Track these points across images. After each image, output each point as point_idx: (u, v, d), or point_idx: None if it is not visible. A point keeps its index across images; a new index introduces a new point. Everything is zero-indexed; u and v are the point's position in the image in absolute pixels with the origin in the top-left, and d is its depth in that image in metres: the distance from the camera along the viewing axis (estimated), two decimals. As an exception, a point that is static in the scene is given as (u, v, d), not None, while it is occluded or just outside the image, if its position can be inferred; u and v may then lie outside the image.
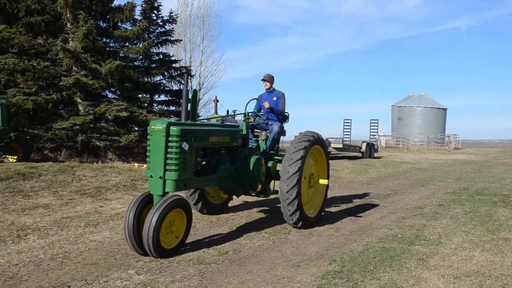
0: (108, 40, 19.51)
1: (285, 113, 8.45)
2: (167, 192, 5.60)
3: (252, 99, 8.28)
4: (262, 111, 8.33)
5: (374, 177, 16.35)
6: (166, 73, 21.18)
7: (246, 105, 8.16)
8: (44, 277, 4.67)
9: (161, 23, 21.82)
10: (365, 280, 4.69)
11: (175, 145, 5.53)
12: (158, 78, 21.60)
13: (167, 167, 5.52)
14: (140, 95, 20.81)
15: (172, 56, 23.00)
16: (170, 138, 5.53)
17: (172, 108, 21.98)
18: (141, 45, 18.98)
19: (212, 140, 6.41)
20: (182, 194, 8.02)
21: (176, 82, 22.12)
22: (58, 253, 5.54)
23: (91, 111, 16.88)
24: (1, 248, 5.67)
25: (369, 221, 8.01)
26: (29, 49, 16.95)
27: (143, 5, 20.61)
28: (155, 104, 21.75)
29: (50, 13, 18.05)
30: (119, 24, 19.00)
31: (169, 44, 23.00)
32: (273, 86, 8.51)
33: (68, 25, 17.64)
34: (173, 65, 22.05)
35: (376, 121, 35.44)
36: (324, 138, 22.98)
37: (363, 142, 26.37)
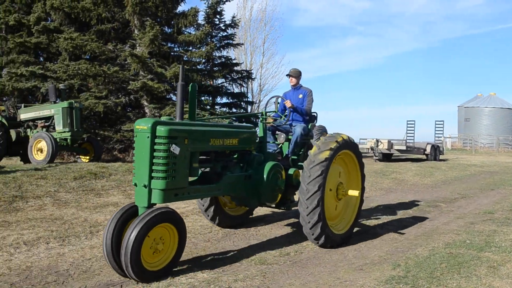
0: (172, 45, 20.15)
1: (313, 113, 7.54)
2: (155, 204, 4.74)
3: (273, 97, 7.49)
4: (286, 111, 7.23)
5: (439, 180, 15.76)
6: (227, 76, 21.59)
7: (266, 104, 7.66)
8: (114, 272, 4.90)
9: (223, 27, 22.24)
10: (431, 287, 4.56)
11: (162, 148, 4.63)
12: (220, 81, 22.07)
13: (153, 174, 4.63)
14: (202, 98, 21.33)
15: (233, 59, 23.40)
16: (156, 140, 4.64)
17: (234, 110, 22.36)
18: (204, 49, 19.45)
19: (215, 143, 5.39)
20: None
21: (238, 85, 22.50)
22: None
23: (156, 114, 17.51)
24: (76, 243, 6.02)
25: (434, 225, 7.75)
26: (100, 55, 17.89)
27: (206, 10, 21.10)
28: (217, 106, 22.21)
29: (119, 20, 18.93)
30: (183, 29, 19.59)
31: (231, 47, 23.39)
32: (300, 82, 7.60)
33: (136, 31, 18.41)
34: (235, 68, 22.42)
35: (442, 122, 34.01)
36: (387, 140, 22.64)
37: (428, 144, 25.47)
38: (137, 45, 18.24)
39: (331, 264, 5.36)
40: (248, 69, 30.09)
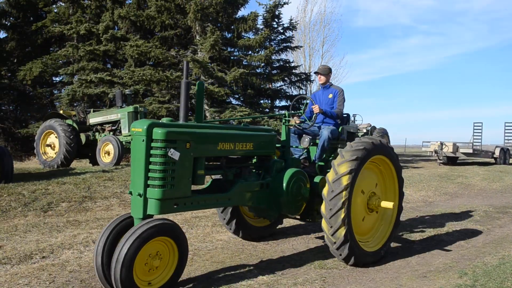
0: (232, 49, 20.48)
1: (344, 115, 6.81)
2: (152, 216, 4.28)
3: (299, 97, 7.02)
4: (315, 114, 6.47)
5: (509, 184, 14.94)
6: (286, 79, 21.63)
7: (291, 105, 7.24)
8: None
9: (281, 31, 22.31)
10: (499, 297, 4.34)
11: (159, 152, 4.17)
12: (278, 84, 22.14)
13: (149, 182, 4.18)
14: (261, 101, 21.50)
15: (292, 62, 23.39)
16: (152, 144, 4.19)
17: (293, 112, 22.34)
18: (263, 53, 19.61)
19: (224, 148, 4.86)
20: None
21: (296, 88, 22.47)
22: (188, 250, 5.95)
23: (217, 117, 17.85)
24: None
25: (504, 233, 7.36)
26: (163, 61, 18.50)
27: (265, 14, 21.26)
28: (276, 109, 22.29)
29: (181, 27, 19.50)
30: (243, 33, 19.86)
31: (289, 50, 23.41)
32: (330, 80, 6.87)
33: (197, 37, 18.89)
34: (293, 71, 22.41)
35: (512, 124, 32.25)
36: (451, 143, 21.75)
37: (497, 147, 24.21)
38: (199, 50, 18.69)
39: (393, 271, 5.24)
40: (306, 71, 29.98)
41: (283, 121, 6.01)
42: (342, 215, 5.04)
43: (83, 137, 14.12)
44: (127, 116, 13.50)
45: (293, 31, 22.90)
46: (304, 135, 6.32)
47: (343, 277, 4.96)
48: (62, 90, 22.61)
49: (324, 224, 5.21)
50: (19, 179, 9.61)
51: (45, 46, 24.38)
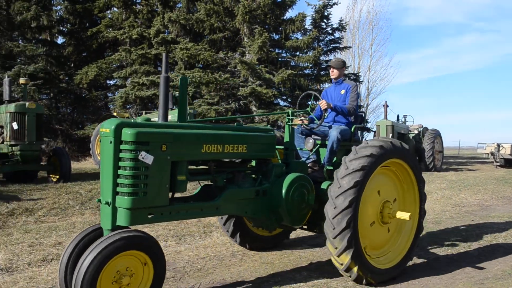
0: (280, 51, 20.50)
1: (360, 113, 6.15)
2: (124, 227, 3.82)
3: (306, 92, 6.16)
4: (327, 112, 5.87)
5: None
6: (335, 80, 21.41)
7: (298, 102, 6.70)
8: (226, 271, 5.11)
9: (330, 31, 22.11)
10: None
11: (129, 156, 3.71)
12: (327, 85, 21.91)
13: (118, 189, 3.74)
14: (309, 102, 21.33)
15: (341, 63, 23.11)
16: (122, 146, 3.74)
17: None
18: (311, 54, 19.52)
19: (210, 150, 4.32)
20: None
21: (345, 88, 22.21)
22: (238, 250, 6.01)
23: (264, 119, 17.91)
24: (191, 242, 6.38)
25: None
26: (212, 63, 18.78)
27: (313, 15, 21.14)
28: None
29: (229, 29, 19.73)
30: (291, 34, 19.85)
31: (338, 51, 23.16)
32: (343, 75, 6.20)
33: (245, 39, 19.05)
34: (342, 71, 22.15)
35: None
36: (509, 145, 20.75)
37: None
38: (247, 52, 18.85)
39: (447, 276, 5.07)
40: (355, 72, 29.56)
41: (286, 120, 5.47)
42: (348, 235, 4.46)
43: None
44: (177, 118, 13.78)
45: (342, 31, 22.65)
46: (304, 136, 5.74)
47: (395, 280, 4.85)
48: (116, 93, 23.40)
49: (328, 245, 4.62)
50: (76, 179, 10.04)
51: (100, 51, 25.32)
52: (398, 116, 18.70)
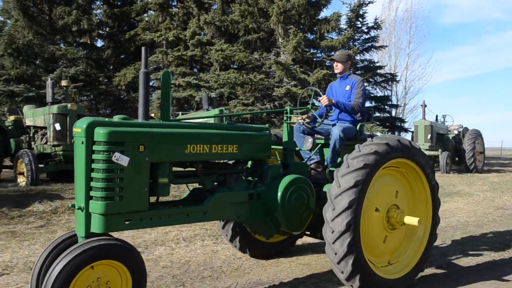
0: (315, 51, 20.42)
1: (369, 110, 5.75)
2: (100, 234, 3.54)
3: (307, 88, 5.76)
4: (333, 109, 5.61)
5: None
6: (371, 80, 21.15)
7: (299, 99, 6.19)
8: (263, 272, 5.12)
9: (365, 30, 21.86)
10: None
11: (102, 157, 3.46)
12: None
13: (92, 193, 3.49)
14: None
15: (376, 62, 22.85)
16: (94, 147, 3.48)
17: (377, 114, 21.82)
18: (346, 53, 19.36)
19: (195, 151, 4.02)
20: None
21: (381, 88, 21.91)
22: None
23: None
24: (228, 241, 6.44)
25: None
26: (247, 64, 18.89)
27: (349, 14, 20.94)
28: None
29: (264, 30, 19.79)
30: (325, 34, 19.73)
31: (374, 50, 22.87)
32: (350, 70, 5.74)
33: (280, 39, 19.06)
34: (378, 71, 21.87)
35: None
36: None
37: None
38: (281, 52, 18.85)
39: (491, 282, 4.93)
40: (392, 71, 29.09)
41: (285, 118, 5.09)
42: (349, 239, 4.06)
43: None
44: (213, 119, 13.94)
45: (378, 30, 22.36)
46: (307, 135, 5.31)
47: (439, 279, 4.76)
48: (153, 94, 23.86)
49: (327, 250, 4.23)
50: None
51: (137, 53, 25.83)
52: (436, 116, 18.29)
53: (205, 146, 4.07)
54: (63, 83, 11.73)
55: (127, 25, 26.03)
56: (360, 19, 21.50)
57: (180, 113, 15.73)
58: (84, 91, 21.53)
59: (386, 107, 22.69)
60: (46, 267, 3.51)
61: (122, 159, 3.48)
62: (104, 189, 3.44)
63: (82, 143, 3.48)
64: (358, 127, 5.30)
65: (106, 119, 3.68)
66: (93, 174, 3.47)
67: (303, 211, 4.60)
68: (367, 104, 21.81)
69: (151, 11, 24.97)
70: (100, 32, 26.07)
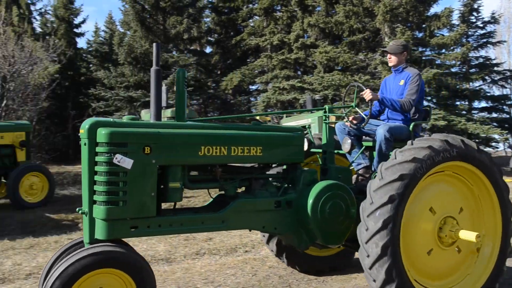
0: (424, 49, 19.52)
1: (424, 107, 5.08)
2: (103, 240, 3.37)
3: (351, 84, 5.05)
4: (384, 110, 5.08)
5: None
6: (487, 78, 19.73)
7: (343, 97, 5.39)
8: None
9: (481, 25, 20.43)
10: None
11: (104, 159, 3.31)
12: (477, 83, 20.31)
13: (95, 197, 3.36)
14: (458, 103, 20.00)
15: (493, 59, 21.25)
16: (97, 149, 3.34)
17: (494, 115, 20.29)
18: (459, 51, 18.25)
19: (211, 153, 3.71)
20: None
21: (499, 87, 20.33)
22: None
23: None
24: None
25: None
26: (352, 65, 18.63)
27: (461, 9, 19.73)
28: (474, 112, 20.50)
29: (369, 29, 19.36)
30: (436, 31, 18.77)
31: (490, 46, 21.28)
32: (406, 62, 5.08)
33: (386, 39, 18.51)
34: (495, 68, 20.32)
35: None
36: None
37: None
38: (388, 52, 18.31)
39: None
40: (511, 68, 26.82)
41: (323, 118, 4.67)
42: (387, 264, 3.56)
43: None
44: (318, 120, 13.93)
45: (495, 24, 20.77)
46: (345, 136, 4.77)
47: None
48: (258, 97, 24.48)
49: (366, 276, 3.79)
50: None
51: (243, 58, 26.72)
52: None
53: (222, 148, 3.76)
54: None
55: (234, 31, 26.98)
56: (475, 14, 20.13)
57: (284, 115, 15.94)
58: (194, 95, 22.70)
59: (504, 107, 20.98)
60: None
61: (125, 161, 3.31)
62: (106, 193, 3.28)
63: (85, 144, 3.38)
64: (411, 126, 4.64)
65: (112, 119, 3.55)
66: (96, 177, 3.33)
67: (340, 222, 4.13)
68: (483, 104, 20.39)
69: (256, 17, 25.64)
70: (209, 39, 27.32)
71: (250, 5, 26.02)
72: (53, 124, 24.82)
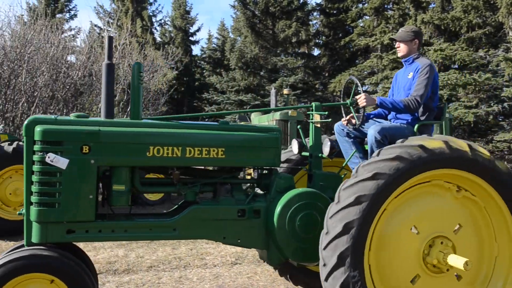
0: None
1: (440, 105, 4.38)
2: (42, 243, 3.19)
3: (350, 78, 4.48)
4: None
5: None
6: None
7: (343, 89, 4.64)
8: None
9: None
10: None
11: (37, 158, 3.12)
12: None
13: (31, 198, 3.16)
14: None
15: None
16: (34, 147, 3.14)
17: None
18: None
19: (161, 154, 3.36)
20: None
21: None
22: None
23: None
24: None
25: None
26: (470, 63, 17.41)
27: None
28: None
29: (491, 24, 17.97)
30: None
31: None
32: (418, 51, 4.39)
33: (510, 33, 17.06)
34: None
35: None
36: None
37: None
38: (512, 48, 16.84)
39: None
40: None
41: (311, 117, 4.13)
42: (343, 278, 2.97)
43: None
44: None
45: None
46: (326, 138, 4.19)
47: None
48: (346, 101, 23.86)
49: (321, 264, 3.18)
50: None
51: (352, 59, 26.30)
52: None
53: (175, 149, 3.40)
54: (285, 91, 12.73)
55: (342, 32, 26.67)
56: None
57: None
58: (302, 98, 22.85)
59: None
60: None
61: (59, 161, 3.11)
62: (40, 194, 3.12)
63: (22, 142, 3.33)
64: (416, 127, 4.02)
65: (53, 117, 3.33)
66: (33, 177, 3.16)
67: (315, 236, 3.40)
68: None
69: (366, 16, 25.08)
70: (317, 41, 27.32)
71: (360, 5, 25.51)
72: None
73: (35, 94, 14.04)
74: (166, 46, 25.69)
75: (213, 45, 31.50)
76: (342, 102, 4.36)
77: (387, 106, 4.07)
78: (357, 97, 4.07)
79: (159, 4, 40.28)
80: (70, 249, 3.35)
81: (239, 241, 3.65)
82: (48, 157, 3.09)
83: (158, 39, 29.99)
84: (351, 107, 4.18)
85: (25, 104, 13.83)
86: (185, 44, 29.26)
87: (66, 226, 3.20)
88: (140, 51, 19.61)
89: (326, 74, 26.52)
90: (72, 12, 29.71)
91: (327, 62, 26.62)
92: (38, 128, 3.13)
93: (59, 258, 3.05)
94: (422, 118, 4.18)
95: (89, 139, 3.19)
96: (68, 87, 15.10)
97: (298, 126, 4.14)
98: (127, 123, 3.48)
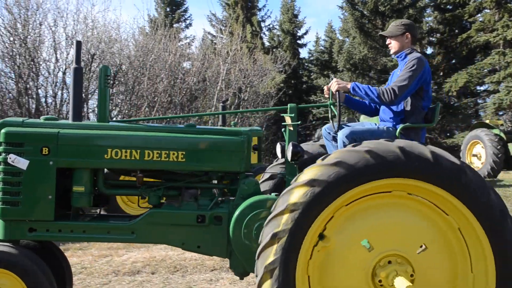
0: None
1: (433, 105, 3.91)
2: (13, 240, 3.40)
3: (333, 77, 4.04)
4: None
5: None
6: None
7: (330, 94, 4.01)
8: None
9: None
10: None
11: (1, 159, 3.34)
12: None
13: None
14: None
15: None
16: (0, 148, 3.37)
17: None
18: None
19: (119, 157, 3.40)
20: None
21: None
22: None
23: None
24: None
25: None
26: None
27: None
28: None
29: None
30: None
31: None
32: (411, 46, 3.97)
33: None
34: None
35: None
36: None
37: None
38: None
39: None
40: None
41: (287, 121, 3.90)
42: (275, 257, 2.78)
43: (511, 147, 13.45)
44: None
45: None
46: (291, 143, 3.69)
47: None
48: (487, 99, 22.22)
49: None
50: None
51: (469, 57, 24.59)
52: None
53: (133, 152, 3.43)
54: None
55: (459, 29, 25.10)
56: None
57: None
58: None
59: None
60: None
61: (20, 162, 3.31)
62: (3, 192, 3.33)
63: None
64: (397, 131, 3.62)
65: (21, 119, 3.52)
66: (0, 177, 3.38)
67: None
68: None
69: (486, 10, 23.30)
70: (431, 39, 26.02)
71: (479, -1, 23.83)
72: (279, 130, 27.02)
73: (155, 99, 15.13)
74: (274, 50, 26.18)
75: (321, 47, 31.33)
76: (322, 103, 4.24)
77: (359, 93, 3.73)
78: (329, 84, 3.89)
79: (268, 9, 41.10)
80: (46, 249, 3.66)
81: (199, 248, 3.57)
82: (10, 158, 3.30)
83: (267, 43, 30.61)
84: (332, 107, 3.93)
85: (147, 109, 14.95)
86: (293, 48, 29.50)
87: (28, 224, 3.39)
88: (250, 56, 20.19)
89: (441, 74, 25.10)
90: (188, 21, 31.54)
91: (442, 61, 25.22)
92: (3, 130, 3.35)
93: (17, 255, 3.21)
94: (409, 120, 3.77)
95: (48, 141, 3.36)
96: (184, 92, 16.05)
97: (282, 129, 3.93)
98: (90, 125, 3.61)
